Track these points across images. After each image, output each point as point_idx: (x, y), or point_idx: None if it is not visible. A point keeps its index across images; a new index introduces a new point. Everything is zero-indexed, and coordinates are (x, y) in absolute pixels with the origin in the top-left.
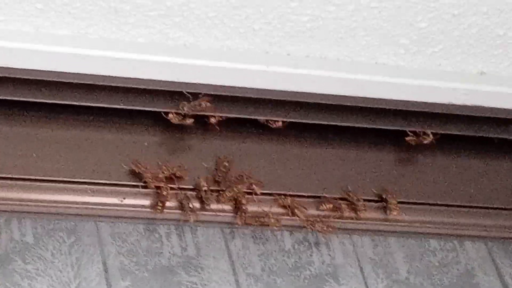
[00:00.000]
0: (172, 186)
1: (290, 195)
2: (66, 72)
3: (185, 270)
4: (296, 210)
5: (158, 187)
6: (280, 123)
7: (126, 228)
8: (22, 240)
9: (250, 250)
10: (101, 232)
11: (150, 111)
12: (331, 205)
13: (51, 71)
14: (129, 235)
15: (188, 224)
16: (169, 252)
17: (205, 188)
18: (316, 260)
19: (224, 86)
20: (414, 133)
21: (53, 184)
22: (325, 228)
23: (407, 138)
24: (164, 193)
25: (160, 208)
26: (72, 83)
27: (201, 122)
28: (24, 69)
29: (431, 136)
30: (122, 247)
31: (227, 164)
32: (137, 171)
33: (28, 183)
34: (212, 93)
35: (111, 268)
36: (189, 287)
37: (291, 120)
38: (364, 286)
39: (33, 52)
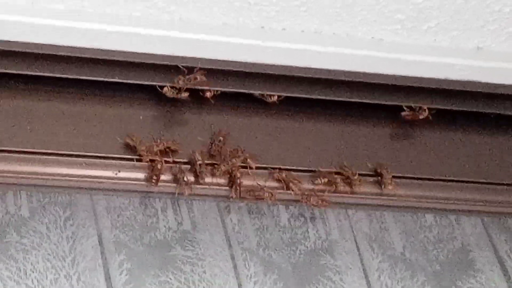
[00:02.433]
0: (166, 159)
1: (285, 169)
2: (61, 46)
3: (180, 245)
4: (291, 184)
5: (152, 161)
6: (275, 98)
7: (122, 202)
8: (17, 214)
9: (246, 225)
10: (96, 206)
11: (145, 84)
12: (326, 179)
13: (46, 44)
14: (124, 209)
15: (183, 199)
16: (165, 226)
17: (200, 162)
18: (311, 235)
19: (219, 60)
20: (410, 108)
21: (48, 157)
22: (320, 202)
23: (402, 113)
24: (159, 166)
25: (154, 181)
26: (67, 56)
27: (196, 96)
28: (20, 42)
29: (427, 111)
30: (118, 221)
31: (222, 138)
32: (131, 145)
33: (22, 155)
34: (207, 67)
35: (106, 242)
36: (184, 261)
37: (286, 94)
38: (359, 262)
39: (28, 25)
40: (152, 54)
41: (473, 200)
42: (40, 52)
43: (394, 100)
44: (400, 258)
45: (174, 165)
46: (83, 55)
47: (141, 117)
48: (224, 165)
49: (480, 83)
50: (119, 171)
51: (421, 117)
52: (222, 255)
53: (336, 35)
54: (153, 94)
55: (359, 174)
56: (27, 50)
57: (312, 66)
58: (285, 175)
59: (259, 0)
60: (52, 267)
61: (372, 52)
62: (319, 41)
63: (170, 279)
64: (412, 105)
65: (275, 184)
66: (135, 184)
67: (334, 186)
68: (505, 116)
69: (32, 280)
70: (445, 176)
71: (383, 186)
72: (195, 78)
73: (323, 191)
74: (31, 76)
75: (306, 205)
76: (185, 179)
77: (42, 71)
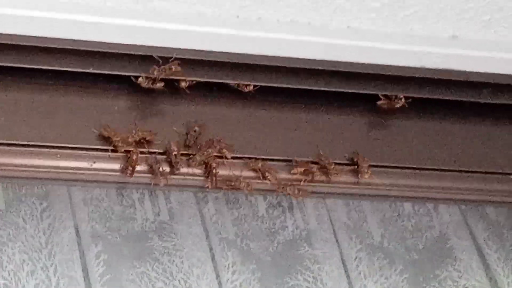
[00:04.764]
0: (142, 150)
1: (261, 159)
2: (33, 36)
3: (158, 235)
4: (267, 174)
5: (127, 151)
6: (251, 87)
7: (99, 194)
8: None
9: (224, 215)
10: (73, 198)
11: (120, 75)
12: (302, 169)
13: (16, 35)
14: (101, 200)
15: (161, 189)
16: (142, 217)
17: (175, 152)
18: (289, 225)
19: (194, 50)
20: (386, 97)
21: (22, 148)
22: (296, 192)
23: (378, 102)
24: (134, 157)
25: (130, 172)
26: (40, 47)
27: (172, 86)
28: None
29: (403, 100)
30: (94, 212)
31: (197, 129)
32: (106, 135)
33: None
34: (182, 57)
35: (83, 234)
36: (162, 252)
37: (262, 84)
38: (337, 251)
39: (2, 16)
40: (126, 44)
41: (450, 188)
42: (11, 42)
43: (370, 89)
44: (378, 247)
45: (149, 155)
46: (56, 46)
47: (116, 108)
48: (199, 155)
49: (456, 71)
50: (94, 162)
51: (397, 105)
52: (200, 246)
53: (311, 24)
54: (127, 84)
55: (336, 163)
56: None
57: (288, 56)
58: (261, 165)
59: None
60: (29, 259)
61: (348, 41)
62: (294, 30)
63: (148, 270)
64: (388, 94)
65: (251, 174)
66: (111, 175)
67: (310, 175)
68: (481, 104)
69: (9, 272)
70: (422, 165)
71: (359, 175)
72: (170, 68)
73: (299, 180)
74: (4, 67)
75: (283, 195)
76: (161, 169)
77: (15, 62)
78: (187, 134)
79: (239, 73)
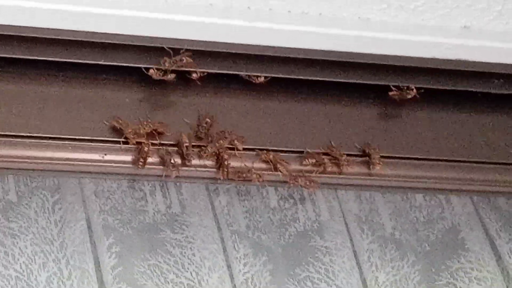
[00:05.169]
0: (153, 142)
1: (273, 150)
2: (45, 28)
3: (169, 227)
4: (278, 165)
5: (139, 143)
6: (262, 79)
7: (110, 186)
8: (5, 198)
9: (235, 207)
10: (84, 190)
11: (131, 67)
12: (314, 160)
13: (28, 27)
14: (113, 192)
15: (172, 181)
16: (153, 209)
17: (187, 144)
18: (301, 217)
19: (205, 41)
20: (398, 87)
21: (34, 141)
22: (308, 183)
23: (390, 93)
24: (146, 148)
25: (141, 164)
26: (51, 39)
27: (183, 78)
28: (2, 25)
29: (414, 90)
30: (106, 205)
31: (209, 120)
32: (118, 127)
33: (8, 139)
34: (194, 48)
35: (95, 226)
36: (174, 244)
37: (273, 75)
38: (349, 243)
39: (11, 7)
40: (137, 36)
41: (462, 179)
42: (23, 34)
43: (382, 80)
44: (390, 239)
45: (161, 147)
46: (67, 38)
47: (127, 100)
48: (211, 147)
49: (467, 61)
50: (106, 154)
51: (408, 96)
52: (211, 238)
53: (322, 15)
54: (139, 76)
55: (347, 155)
56: (10, 33)
57: (299, 47)
58: (273, 156)
59: None
60: (41, 251)
61: (359, 32)
62: (305, 22)
63: (159, 262)
64: (400, 84)
65: (263, 165)
66: (122, 167)
67: (322, 167)
68: (492, 95)
69: (20, 265)
70: (434, 156)
71: (371, 166)
72: (181, 60)
73: (311, 172)
74: (15, 59)
75: (294, 186)
76: (172, 161)
77: (26, 54)
78: (198, 125)
79: (250, 65)
